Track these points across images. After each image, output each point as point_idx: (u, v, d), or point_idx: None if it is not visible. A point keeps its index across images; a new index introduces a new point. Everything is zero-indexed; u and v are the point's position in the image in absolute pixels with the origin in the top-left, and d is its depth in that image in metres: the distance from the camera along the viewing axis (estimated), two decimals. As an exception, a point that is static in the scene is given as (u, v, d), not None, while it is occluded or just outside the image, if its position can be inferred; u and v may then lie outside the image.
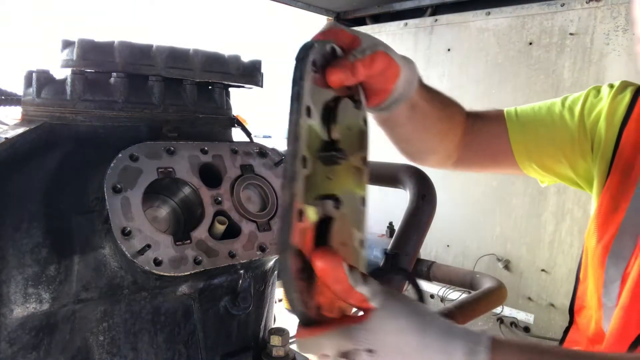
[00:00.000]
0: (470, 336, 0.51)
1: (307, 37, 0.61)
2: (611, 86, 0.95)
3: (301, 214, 0.50)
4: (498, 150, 1.03)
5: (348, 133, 0.60)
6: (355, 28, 2.83)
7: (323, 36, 0.61)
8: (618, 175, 0.93)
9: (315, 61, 0.56)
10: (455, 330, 0.52)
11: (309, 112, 0.54)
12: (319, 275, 0.52)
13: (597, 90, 0.98)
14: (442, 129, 0.94)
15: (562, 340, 1.07)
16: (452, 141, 0.98)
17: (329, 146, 0.57)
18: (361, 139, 0.65)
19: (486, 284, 1.48)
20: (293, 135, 0.51)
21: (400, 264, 0.61)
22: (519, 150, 1.01)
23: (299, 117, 0.52)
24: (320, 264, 0.52)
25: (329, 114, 0.58)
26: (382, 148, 0.77)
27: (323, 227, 0.54)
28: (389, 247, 0.88)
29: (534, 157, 1.02)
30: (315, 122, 0.55)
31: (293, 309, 0.49)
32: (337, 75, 0.57)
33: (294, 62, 0.55)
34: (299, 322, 0.52)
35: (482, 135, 1.02)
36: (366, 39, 0.64)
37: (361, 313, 0.54)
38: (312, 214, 0.52)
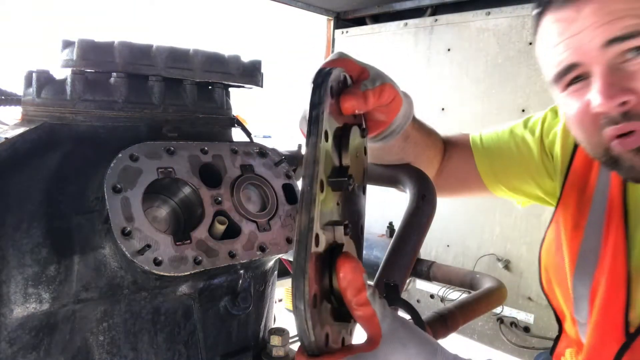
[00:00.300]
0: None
1: (321, 66, 0.61)
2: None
3: (317, 238, 0.50)
4: (468, 175, 1.09)
5: (355, 160, 0.61)
6: (355, 28, 2.83)
7: (333, 65, 0.62)
8: (574, 195, 0.96)
9: (332, 87, 0.57)
10: None
11: (326, 136, 0.54)
12: (340, 282, 0.53)
13: (555, 111, 1.03)
14: (429, 155, 0.98)
15: (552, 349, 1.09)
16: (435, 167, 1.02)
17: (339, 172, 0.57)
18: (364, 169, 0.66)
19: (486, 284, 1.48)
20: (312, 158, 0.51)
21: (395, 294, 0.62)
22: (486, 174, 1.07)
23: (318, 141, 0.52)
24: (344, 271, 0.52)
25: (340, 141, 0.59)
26: (382, 148, 0.77)
27: (334, 254, 0.54)
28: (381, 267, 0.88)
29: (502, 180, 1.07)
30: (329, 147, 0.55)
31: (303, 338, 0.49)
32: (350, 102, 0.58)
33: (311, 86, 0.55)
34: (305, 352, 0.51)
35: (452, 161, 1.07)
36: (372, 70, 0.66)
37: (362, 339, 0.55)
38: (323, 240, 0.53)
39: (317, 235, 0.50)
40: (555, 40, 0.76)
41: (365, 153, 0.67)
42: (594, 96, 0.72)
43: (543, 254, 1.03)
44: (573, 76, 0.76)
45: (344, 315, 0.55)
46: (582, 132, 0.80)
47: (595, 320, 0.87)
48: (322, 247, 0.52)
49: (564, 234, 0.97)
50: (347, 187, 0.57)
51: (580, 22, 0.72)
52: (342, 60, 0.64)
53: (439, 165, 1.04)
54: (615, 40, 0.69)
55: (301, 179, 0.52)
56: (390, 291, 0.63)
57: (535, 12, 0.83)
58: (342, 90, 0.60)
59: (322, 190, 0.52)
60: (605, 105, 0.71)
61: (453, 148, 1.07)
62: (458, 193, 1.18)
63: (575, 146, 0.96)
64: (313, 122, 0.53)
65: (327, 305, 0.53)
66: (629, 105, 0.70)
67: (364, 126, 0.65)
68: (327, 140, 0.54)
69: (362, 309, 0.53)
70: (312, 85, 0.55)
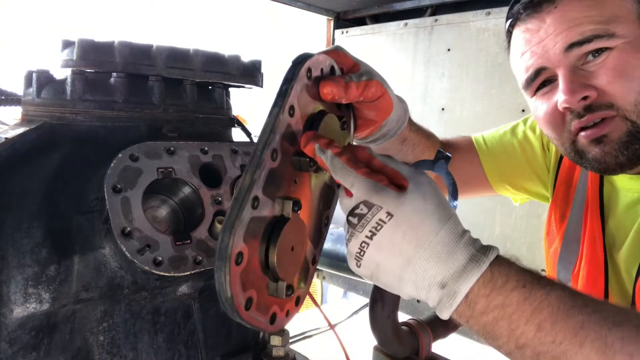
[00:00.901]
0: (478, 247, 0.54)
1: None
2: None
3: (257, 201, 0.50)
4: (472, 176, 1.12)
5: None
6: (355, 28, 2.83)
7: (325, 54, 0.62)
8: (563, 187, 1.03)
9: (310, 69, 0.57)
10: (469, 238, 0.54)
11: (291, 111, 0.54)
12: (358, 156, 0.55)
13: None
14: (428, 157, 1.01)
15: None
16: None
17: (303, 153, 0.57)
18: None
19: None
20: (270, 126, 0.52)
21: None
22: (492, 174, 1.10)
23: (280, 112, 0.52)
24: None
25: (312, 124, 0.58)
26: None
27: (276, 226, 0.53)
28: None
29: (508, 179, 1.11)
30: (293, 122, 0.55)
31: (220, 293, 0.48)
32: (329, 87, 0.59)
33: (289, 65, 0.55)
34: (224, 310, 0.49)
35: (455, 163, 1.09)
36: (364, 67, 0.67)
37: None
38: (267, 207, 0.52)
39: (256, 198, 0.49)
40: (523, 48, 0.85)
41: (341, 142, 0.67)
42: (560, 95, 0.80)
43: (544, 244, 1.09)
44: (541, 80, 0.84)
45: (278, 292, 0.54)
46: (552, 131, 0.87)
47: None
48: (262, 212, 0.51)
49: (554, 224, 1.04)
50: (308, 168, 0.57)
51: (544, 31, 0.81)
52: (336, 51, 0.64)
53: None
54: (574, 44, 0.78)
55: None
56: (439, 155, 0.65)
57: (507, 26, 0.92)
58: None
59: (273, 159, 0.52)
60: (569, 101, 0.78)
61: (455, 151, 1.10)
62: (460, 193, 1.21)
63: None
64: (279, 95, 0.53)
65: (259, 274, 0.52)
66: (590, 100, 0.78)
67: (345, 119, 0.65)
68: (291, 115, 0.54)
69: (385, 169, 0.55)
70: (290, 63, 0.55)
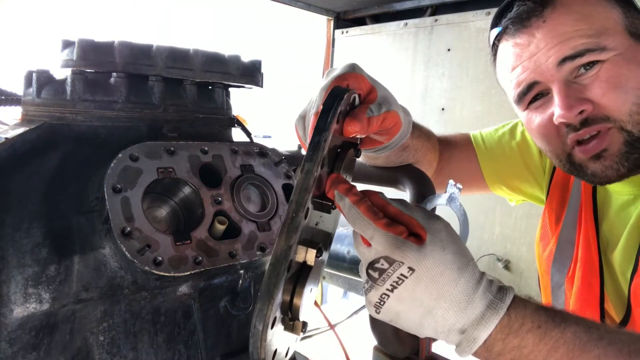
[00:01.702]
0: (495, 291, 0.54)
1: (331, 80, 0.60)
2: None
3: (290, 264, 0.50)
4: (469, 174, 1.13)
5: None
6: (355, 28, 2.83)
7: (345, 80, 0.62)
8: (558, 190, 1.04)
9: (342, 112, 0.56)
10: (487, 282, 0.54)
11: (323, 162, 0.53)
12: (371, 200, 0.55)
13: None
14: (429, 159, 1.01)
15: None
16: (433, 168, 1.05)
17: (324, 195, 0.57)
18: None
19: (486, 284, 1.48)
20: (305, 186, 0.51)
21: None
22: (489, 174, 1.11)
23: (314, 169, 0.51)
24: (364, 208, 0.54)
25: (334, 162, 0.58)
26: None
27: (302, 273, 0.55)
28: None
29: (504, 180, 1.11)
30: (323, 170, 0.55)
31: (254, 354, 0.49)
32: (354, 128, 0.59)
33: (322, 107, 0.54)
34: None
35: (453, 161, 1.10)
36: (380, 92, 0.67)
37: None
38: (295, 264, 0.53)
39: (291, 262, 0.50)
40: (514, 62, 0.85)
41: (353, 169, 0.67)
42: (556, 110, 0.80)
43: (536, 247, 1.11)
44: (533, 94, 0.85)
45: (295, 329, 0.56)
46: (547, 143, 0.87)
47: (573, 311, 0.92)
48: (292, 271, 0.53)
49: (549, 227, 1.05)
50: (330, 210, 0.57)
51: (535, 45, 0.81)
52: (355, 76, 0.64)
53: (437, 165, 1.05)
54: (567, 58, 0.78)
55: (288, 203, 0.52)
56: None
57: (492, 38, 0.91)
58: (348, 111, 0.60)
59: (305, 218, 0.52)
60: (565, 116, 0.79)
61: (453, 148, 1.10)
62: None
63: None
64: (313, 148, 0.52)
65: (280, 321, 0.54)
66: (586, 113, 0.79)
67: (358, 146, 0.66)
68: (322, 167, 0.54)
69: (401, 217, 0.55)
70: (322, 106, 0.54)
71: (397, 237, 0.53)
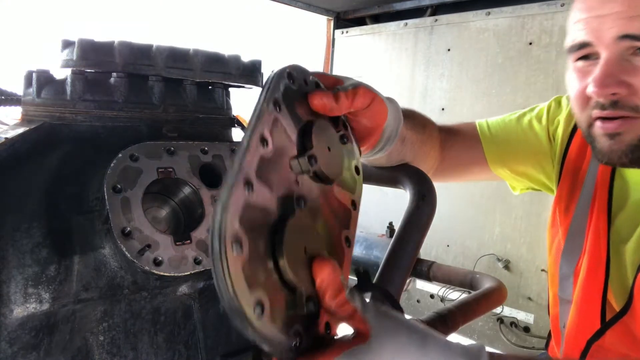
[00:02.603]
0: (469, 353, 0.51)
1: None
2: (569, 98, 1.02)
3: (249, 185, 0.47)
4: (472, 161, 1.13)
5: (328, 154, 0.59)
6: (355, 28, 2.83)
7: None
8: (568, 179, 1.03)
9: (291, 73, 0.57)
10: (453, 346, 0.51)
11: (278, 107, 0.54)
12: (318, 285, 0.50)
13: (558, 102, 1.10)
14: (425, 150, 1.01)
15: (546, 343, 1.15)
16: (432, 157, 1.06)
17: (301, 155, 0.56)
18: (353, 183, 0.65)
19: (486, 284, 1.48)
20: (257, 113, 0.51)
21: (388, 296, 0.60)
22: (493, 159, 1.12)
23: (264, 102, 0.52)
24: (322, 275, 0.50)
25: (303, 134, 0.57)
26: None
27: (280, 224, 0.50)
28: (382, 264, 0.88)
29: (509, 165, 1.13)
30: (282, 119, 0.55)
31: (220, 286, 0.42)
32: (319, 100, 0.58)
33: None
34: (227, 310, 0.44)
35: (456, 148, 1.11)
36: (348, 79, 0.66)
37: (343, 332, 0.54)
38: (265, 197, 0.49)
39: (249, 182, 0.47)
40: (580, 15, 0.83)
41: (358, 172, 0.67)
42: (591, 82, 0.80)
43: (547, 238, 1.08)
44: (584, 53, 0.83)
45: (298, 303, 0.49)
46: (576, 108, 0.88)
47: (576, 300, 0.92)
48: (258, 200, 0.48)
49: (558, 216, 1.04)
50: (309, 168, 0.55)
51: (607, 8, 0.78)
52: (316, 74, 0.64)
53: (439, 155, 1.05)
54: (629, 36, 0.75)
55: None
56: (361, 278, 0.57)
57: None
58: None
59: (264, 145, 0.50)
60: (598, 93, 0.78)
61: (456, 136, 1.10)
62: (460, 178, 1.24)
63: (572, 133, 1.03)
64: (263, 88, 0.54)
65: (276, 285, 0.47)
66: (618, 97, 0.78)
67: (344, 134, 0.65)
68: (278, 110, 0.53)
69: (343, 309, 0.51)
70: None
71: (348, 352, 0.50)
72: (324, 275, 0.51)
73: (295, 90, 0.57)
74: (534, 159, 1.09)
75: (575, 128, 1.01)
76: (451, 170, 1.12)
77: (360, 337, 0.51)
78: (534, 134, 1.08)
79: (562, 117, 1.06)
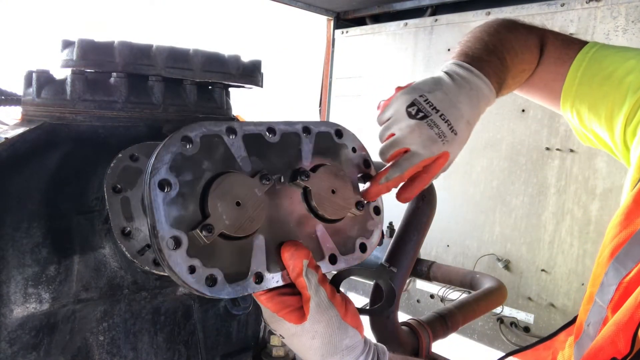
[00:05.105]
0: (369, 351, 0.62)
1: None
2: None
3: (189, 141, 0.58)
4: (551, 90, 1.00)
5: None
6: (355, 28, 2.83)
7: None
8: None
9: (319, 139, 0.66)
10: (358, 345, 0.61)
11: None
12: (284, 261, 0.60)
13: None
14: (525, 69, 0.98)
15: (552, 335, 1.06)
16: (529, 71, 1.01)
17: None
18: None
19: (486, 284, 1.48)
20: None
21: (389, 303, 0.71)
22: (566, 109, 0.98)
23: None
24: (287, 255, 0.59)
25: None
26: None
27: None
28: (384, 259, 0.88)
29: (579, 110, 0.96)
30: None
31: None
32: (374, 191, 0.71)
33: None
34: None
35: (540, 75, 1.01)
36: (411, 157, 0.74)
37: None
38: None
39: (187, 137, 0.58)
40: None
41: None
42: None
43: (608, 229, 0.91)
44: None
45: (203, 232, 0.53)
46: None
47: (615, 319, 0.78)
48: (191, 152, 0.58)
49: (623, 215, 0.86)
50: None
51: None
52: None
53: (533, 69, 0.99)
54: None
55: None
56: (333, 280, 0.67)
57: None
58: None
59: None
60: None
61: (549, 57, 0.99)
62: (531, 95, 1.11)
63: None
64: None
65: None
66: None
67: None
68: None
69: (296, 280, 0.60)
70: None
71: (274, 314, 0.60)
72: (287, 255, 0.60)
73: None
74: (608, 118, 0.91)
75: None
76: (531, 93, 1.07)
77: (299, 319, 0.60)
78: (622, 96, 0.87)
79: None
